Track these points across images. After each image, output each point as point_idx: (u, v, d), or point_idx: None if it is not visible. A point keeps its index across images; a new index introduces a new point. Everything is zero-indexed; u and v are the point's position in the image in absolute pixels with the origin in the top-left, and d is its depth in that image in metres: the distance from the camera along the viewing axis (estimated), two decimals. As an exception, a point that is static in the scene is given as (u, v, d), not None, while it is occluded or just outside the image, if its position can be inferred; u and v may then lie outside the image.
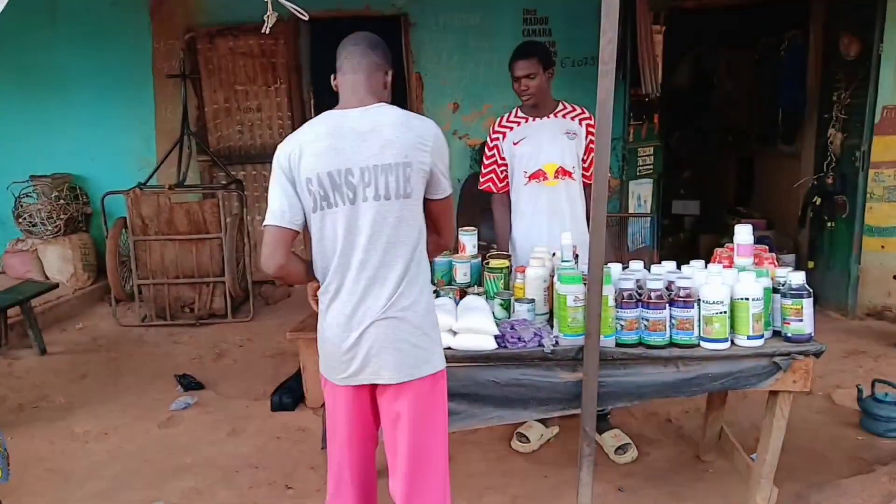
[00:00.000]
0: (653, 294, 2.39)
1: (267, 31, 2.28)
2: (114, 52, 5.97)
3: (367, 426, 2.07)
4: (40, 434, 3.85)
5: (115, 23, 5.95)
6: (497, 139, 3.22)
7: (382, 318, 1.93)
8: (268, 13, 2.29)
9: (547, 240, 2.98)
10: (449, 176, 2.01)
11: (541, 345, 2.41)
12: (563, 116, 3.15)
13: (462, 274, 2.89)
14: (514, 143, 3.16)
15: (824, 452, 3.24)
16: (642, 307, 2.40)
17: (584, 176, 3.19)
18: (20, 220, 5.85)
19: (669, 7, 5.50)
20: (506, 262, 2.87)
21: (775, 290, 2.46)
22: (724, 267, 2.59)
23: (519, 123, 3.19)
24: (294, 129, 5.86)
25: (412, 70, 5.88)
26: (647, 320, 2.40)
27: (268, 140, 5.94)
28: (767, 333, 2.44)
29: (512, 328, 2.48)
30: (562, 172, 3.10)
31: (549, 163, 3.09)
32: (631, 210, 5.63)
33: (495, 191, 3.29)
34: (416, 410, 1.97)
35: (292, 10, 2.41)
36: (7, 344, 4.97)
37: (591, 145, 3.10)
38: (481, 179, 3.32)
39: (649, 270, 2.55)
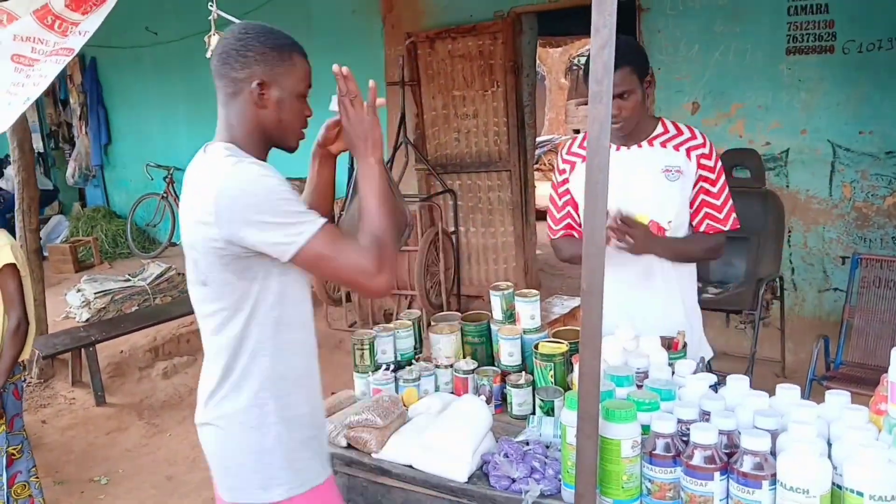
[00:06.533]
0: (697, 449, 1.47)
1: (209, 56, 1.90)
2: (353, 61, 5.95)
3: None
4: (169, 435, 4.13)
5: (355, 32, 6.10)
6: (566, 172, 2.29)
7: None
8: (210, 33, 1.92)
9: (626, 321, 2.09)
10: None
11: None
12: (664, 144, 2.14)
13: (507, 354, 2.19)
14: None
15: None
16: (684, 466, 1.50)
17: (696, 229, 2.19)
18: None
19: None
20: (563, 347, 2.10)
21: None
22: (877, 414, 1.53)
23: None
24: (509, 136, 5.52)
25: (643, 65, 4.94)
26: (685, 490, 1.49)
27: (483, 148, 5.56)
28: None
29: (506, 456, 1.76)
30: (655, 229, 2.11)
31: (640, 214, 2.08)
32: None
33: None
34: None
35: (230, 19, 2.03)
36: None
37: (706, 185, 2.13)
38: (553, 226, 2.35)
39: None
